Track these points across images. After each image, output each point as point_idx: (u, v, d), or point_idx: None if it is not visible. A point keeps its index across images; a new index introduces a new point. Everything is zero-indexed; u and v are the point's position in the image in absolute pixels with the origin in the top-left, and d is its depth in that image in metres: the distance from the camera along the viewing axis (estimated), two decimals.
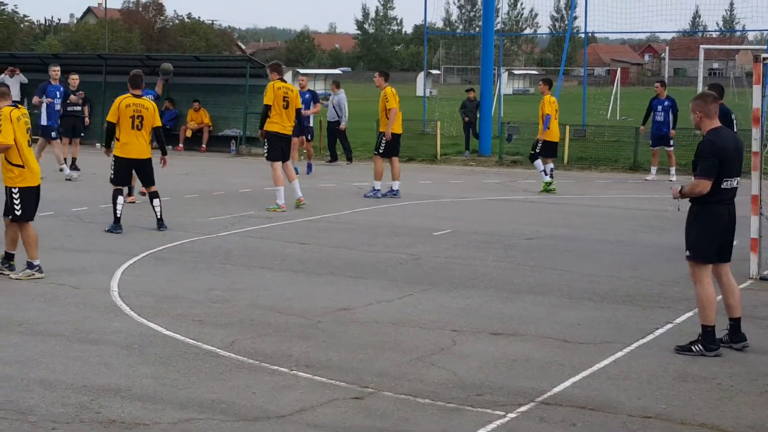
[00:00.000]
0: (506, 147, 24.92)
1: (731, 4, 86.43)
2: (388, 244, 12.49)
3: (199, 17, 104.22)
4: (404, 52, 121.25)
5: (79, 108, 20.39)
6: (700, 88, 28.69)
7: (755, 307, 9.28)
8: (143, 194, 14.54)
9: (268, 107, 15.39)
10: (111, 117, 13.21)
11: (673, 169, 20.79)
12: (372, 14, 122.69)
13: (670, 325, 8.62)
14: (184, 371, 7.10)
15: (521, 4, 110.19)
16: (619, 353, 7.71)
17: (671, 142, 20.78)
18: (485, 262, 11.50)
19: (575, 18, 55.46)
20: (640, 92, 64.81)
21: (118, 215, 13.08)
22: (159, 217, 13.33)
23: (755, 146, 10.31)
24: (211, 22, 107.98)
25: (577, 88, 64.72)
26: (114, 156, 13.31)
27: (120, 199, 13.17)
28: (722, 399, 6.72)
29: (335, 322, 8.55)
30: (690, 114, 7.95)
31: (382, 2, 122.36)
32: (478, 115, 26.37)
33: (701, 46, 31.67)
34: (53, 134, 19.32)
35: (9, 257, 10.35)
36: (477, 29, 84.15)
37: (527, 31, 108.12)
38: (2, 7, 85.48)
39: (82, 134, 21.01)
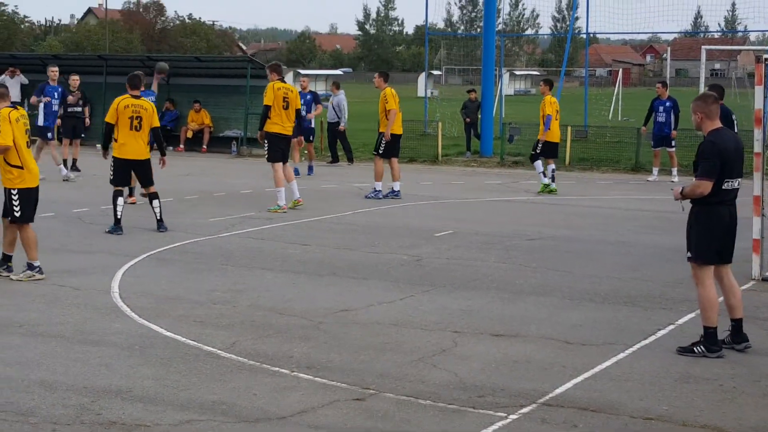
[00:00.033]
0: (508, 148, 24.91)
1: (733, 4, 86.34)
2: (389, 245, 12.47)
3: (199, 18, 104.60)
4: (405, 53, 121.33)
5: (79, 109, 20.38)
6: (701, 89, 28.61)
7: (757, 308, 9.26)
8: (144, 195, 14.52)
9: (268, 108, 15.37)
10: (109, 118, 13.18)
11: (675, 170, 20.76)
12: (373, 15, 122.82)
13: (672, 327, 8.60)
14: (185, 372, 7.09)
15: (522, 4, 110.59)
16: (620, 354, 7.70)
17: (673, 143, 20.76)
18: (487, 263, 11.48)
19: (577, 18, 55.40)
20: (642, 93, 64.79)
21: (119, 216, 13.07)
22: (159, 218, 13.31)
23: (757, 147, 10.29)
24: (212, 22, 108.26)
25: (578, 89, 64.65)
26: (113, 157, 13.31)
27: (120, 201, 13.16)
28: (724, 400, 6.71)
29: (336, 323, 8.54)
30: (691, 115, 7.94)
31: (383, 3, 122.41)
32: (479, 116, 26.35)
33: (703, 46, 31.50)
34: (49, 135, 19.21)
35: (7, 259, 10.33)
36: (478, 30, 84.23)
37: (529, 31, 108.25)
38: (3, 8, 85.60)
39: (83, 135, 21.00)
